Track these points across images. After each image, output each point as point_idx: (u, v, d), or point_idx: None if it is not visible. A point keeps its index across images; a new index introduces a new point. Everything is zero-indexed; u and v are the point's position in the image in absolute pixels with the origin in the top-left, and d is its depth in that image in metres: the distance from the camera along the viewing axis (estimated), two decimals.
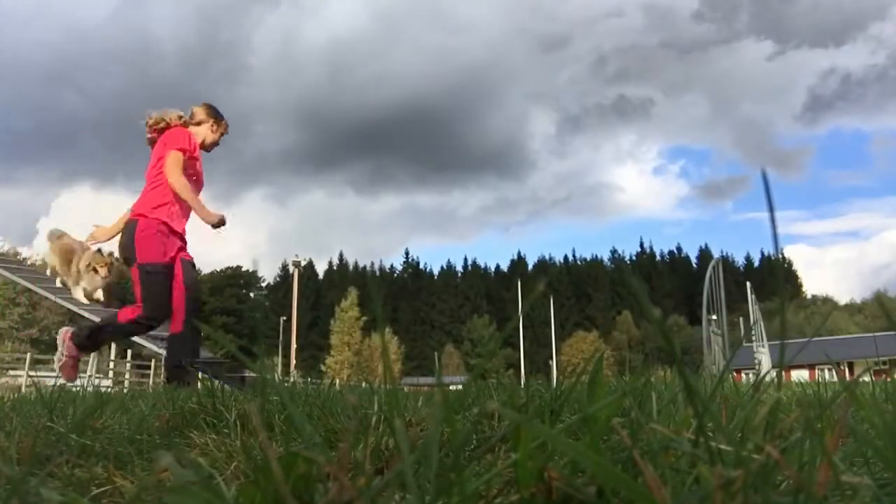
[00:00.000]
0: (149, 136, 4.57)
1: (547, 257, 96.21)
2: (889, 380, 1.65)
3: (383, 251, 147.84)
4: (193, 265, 4.46)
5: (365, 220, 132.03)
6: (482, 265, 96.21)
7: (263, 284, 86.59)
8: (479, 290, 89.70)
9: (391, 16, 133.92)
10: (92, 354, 16.83)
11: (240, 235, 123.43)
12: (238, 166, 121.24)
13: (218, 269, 79.60)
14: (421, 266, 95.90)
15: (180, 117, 4.55)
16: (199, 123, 4.64)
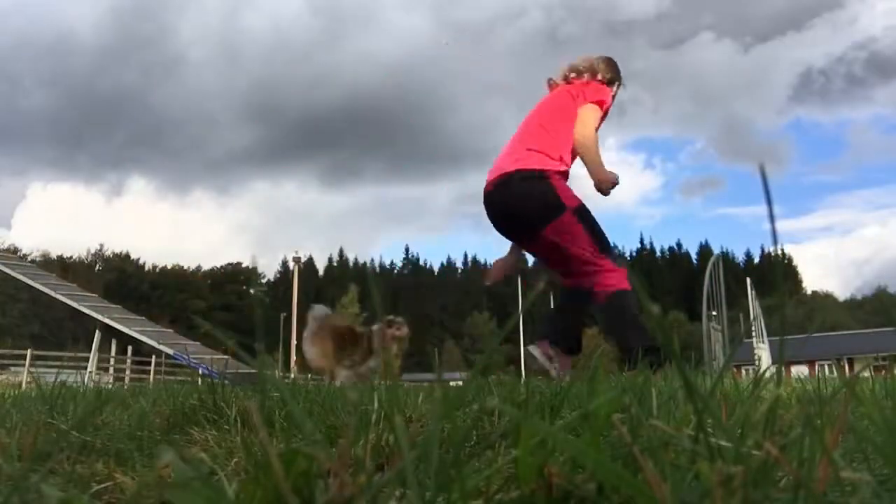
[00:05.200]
0: (551, 82, 4.13)
1: None
2: (889, 376, 1.65)
3: (354, 246, 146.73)
4: None
5: (333, 214, 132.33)
6: (482, 261, 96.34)
7: (263, 281, 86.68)
8: (479, 286, 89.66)
9: (361, 3, 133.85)
10: (92, 352, 16.77)
11: (199, 231, 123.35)
12: (195, 162, 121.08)
13: (218, 266, 79.66)
14: (421, 262, 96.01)
15: (597, 71, 4.03)
16: (605, 82, 4.06)
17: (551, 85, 4.17)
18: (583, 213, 3.65)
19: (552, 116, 3.92)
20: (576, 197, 3.70)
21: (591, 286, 3.57)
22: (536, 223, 3.66)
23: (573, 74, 4.10)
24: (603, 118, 3.97)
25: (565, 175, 3.80)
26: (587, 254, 3.58)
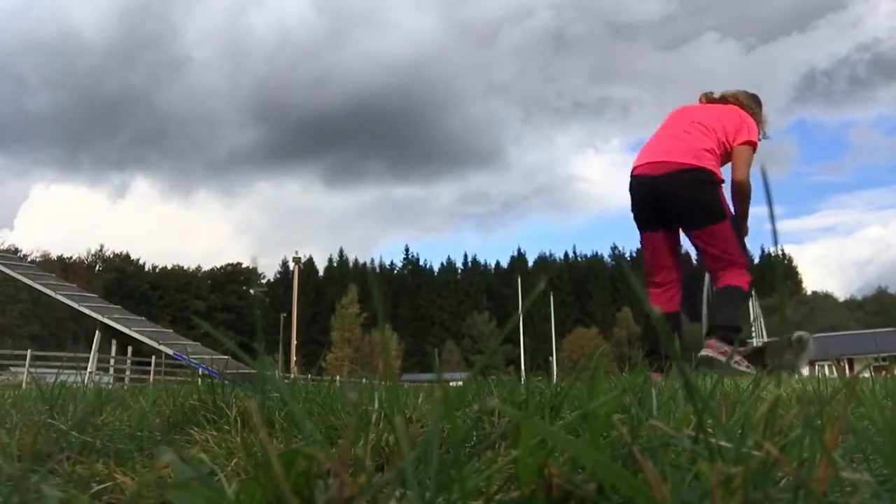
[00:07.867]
0: (709, 96, 4.22)
1: (547, 254, 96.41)
2: (889, 376, 1.65)
3: (354, 246, 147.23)
4: None
5: (334, 215, 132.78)
6: (482, 262, 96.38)
7: (263, 281, 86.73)
8: (479, 286, 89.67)
9: (365, 3, 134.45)
10: (92, 351, 16.78)
11: (200, 231, 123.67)
12: (198, 162, 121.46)
13: (218, 266, 79.67)
14: (421, 263, 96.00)
15: (749, 109, 4.10)
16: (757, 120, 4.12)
17: (710, 98, 4.25)
18: (735, 222, 3.91)
19: (725, 128, 3.96)
20: (730, 207, 3.91)
21: (723, 275, 3.83)
22: (696, 223, 3.83)
23: (732, 101, 4.16)
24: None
25: (722, 184, 3.96)
26: (735, 256, 3.83)
